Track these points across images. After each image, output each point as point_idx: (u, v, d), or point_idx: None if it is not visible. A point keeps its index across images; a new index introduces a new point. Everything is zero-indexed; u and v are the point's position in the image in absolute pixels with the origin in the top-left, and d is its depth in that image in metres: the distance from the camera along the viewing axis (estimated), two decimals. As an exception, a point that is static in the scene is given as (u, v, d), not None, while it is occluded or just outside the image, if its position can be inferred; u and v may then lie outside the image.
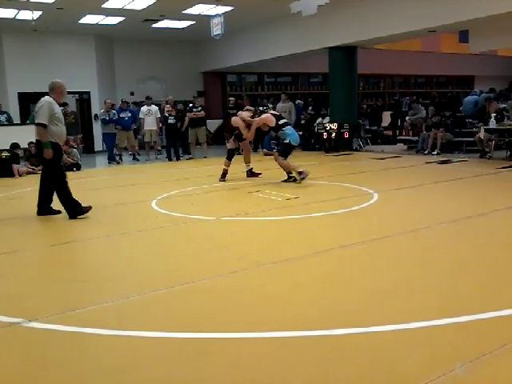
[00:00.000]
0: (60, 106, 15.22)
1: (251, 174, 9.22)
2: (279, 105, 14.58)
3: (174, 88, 17.18)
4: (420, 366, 2.47)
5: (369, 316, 3.05)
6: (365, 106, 17.51)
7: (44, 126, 5.98)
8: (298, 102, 15.92)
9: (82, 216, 6.12)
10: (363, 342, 2.73)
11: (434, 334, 2.81)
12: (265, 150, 13.58)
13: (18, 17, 13.18)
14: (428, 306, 3.19)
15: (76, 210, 6.14)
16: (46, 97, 6.19)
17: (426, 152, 12.21)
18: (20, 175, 10.76)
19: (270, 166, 11.09)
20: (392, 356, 2.56)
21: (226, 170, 8.90)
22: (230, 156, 8.92)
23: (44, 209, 6.34)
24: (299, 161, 11.91)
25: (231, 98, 14.69)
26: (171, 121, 13.08)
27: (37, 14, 12.48)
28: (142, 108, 13.91)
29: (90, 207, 6.25)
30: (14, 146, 11.09)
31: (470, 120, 13.17)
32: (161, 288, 3.62)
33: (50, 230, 5.98)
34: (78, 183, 9.78)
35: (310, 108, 16.11)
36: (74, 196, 6.24)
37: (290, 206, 6.54)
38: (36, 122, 6.05)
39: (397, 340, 2.74)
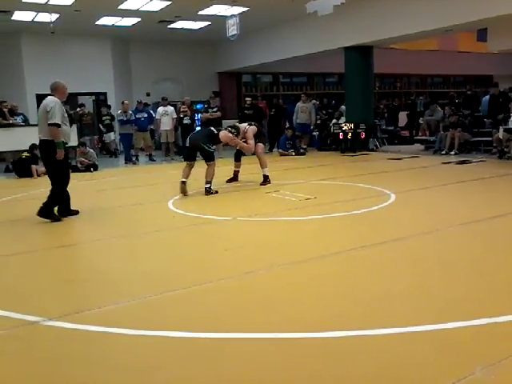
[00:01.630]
0: (78, 106, 15.37)
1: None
2: (299, 104, 14.55)
3: (189, 89, 17.25)
4: (439, 369, 2.44)
5: (386, 318, 3.02)
6: (382, 106, 17.38)
7: (58, 125, 5.98)
8: (313, 101, 15.88)
9: (47, 220, 6.10)
10: (380, 343, 2.71)
11: (453, 336, 2.77)
12: (280, 151, 13.58)
13: (36, 19, 13.36)
14: (446, 308, 3.16)
15: (50, 214, 6.13)
16: (52, 97, 6.12)
17: (444, 152, 12.09)
18: (38, 175, 10.89)
19: (286, 166, 11.09)
20: (410, 358, 2.53)
21: (237, 172, 8.86)
22: (237, 157, 8.88)
23: (65, 210, 6.35)
24: (315, 161, 11.91)
25: (248, 99, 14.69)
26: (186, 121, 13.12)
27: (54, 17, 12.63)
28: (158, 109, 14.00)
29: (59, 218, 6.19)
30: (33, 146, 11.21)
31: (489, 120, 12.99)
32: (177, 288, 3.64)
33: (67, 229, 6.03)
34: (95, 183, 9.88)
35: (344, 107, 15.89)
36: (86, 197, 6.30)
37: (307, 206, 6.52)
38: (50, 122, 5.95)
39: (415, 342, 2.71)
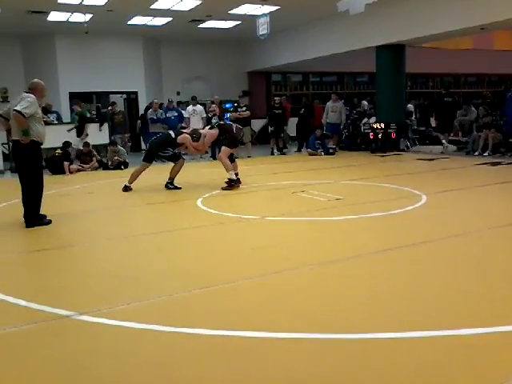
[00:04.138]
0: (109, 105, 15.50)
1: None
2: (329, 104, 14.48)
3: (219, 88, 17.32)
4: (472, 374, 2.37)
5: (418, 320, 2.96)
6: (411, 106, 17.07)
7: (23, 115, 5.56)
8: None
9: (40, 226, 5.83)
10: (411, 346, 2.66)
11: (486, 342, 2.69)
12: (309, 150, 13.50)
13: (70, 19, 13.62)
14: (479, 313, 3.07)
15: (35, 220, 5.83)
16: (29, 94, 5.77)
17: (477, 153, 11.81)
18: (71, 173, 11.10)
19: (315, 166, 11.02)
20: (441, 362, 2.47)
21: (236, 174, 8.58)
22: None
23: (33, 219, 5.86)
24: (345, 161, 11.81)
25: (276, 98, 14.69)
26: (215, 120, 13.16)
27: (88, 17, 12.85)
28: (187, 108, 14.12)
29: (50, 221, 5.94)
30: (66, 144, 11.44)
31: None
32: (206, 286, 3.64)
33: (97, 226, 6.13)
34: (125, 181, 10.00)
35: (365, 102, 15.74)
36: (118, 195, 6.31)
37: (336, 206, 6.46)
38: (16, 108, 5.56)
39: (447, 346, 2.65)
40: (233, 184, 8.14)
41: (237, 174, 8.58)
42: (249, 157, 13.36)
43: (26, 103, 5.64)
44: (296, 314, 3.13)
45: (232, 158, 8.59)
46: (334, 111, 14.29)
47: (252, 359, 2.59)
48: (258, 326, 2.97)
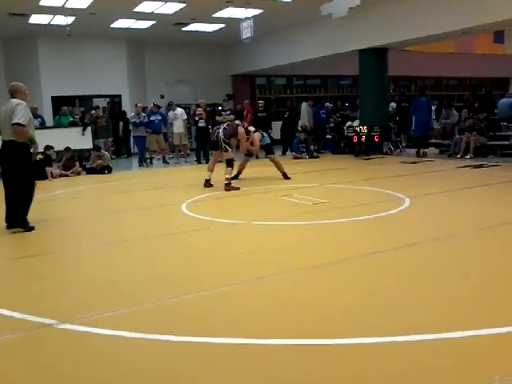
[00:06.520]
0: (92, 109, 15.46)
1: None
2: (307, 108, 14.79)
3: (203, 91, 17.31)
4: (456, 377, 2.39)
5: (399, 325, 2.98)
6: (390, 110, 17.14)
7: (23, 125, 5.62)
8: (327, 104, 15.84)
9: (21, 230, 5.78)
10: (393, 351, 2.67)
11: (471, 344, 2.72)
12: (294, 154, 13.54)
13: (52, 22, 13.50)
14: (464, 315, 3.10)
15: (19, 222, 5.80)
16: (17, 99, 5.78)
17: (459, 156, 11.95)
18: (53, 177, 10.96)
19: (297, 169, 11.04)
20: (426, 367, 2.49)
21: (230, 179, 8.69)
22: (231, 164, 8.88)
23: (15, 220, 5.81)
24: (329, 165, 11.87)
25: (260, 102, 14.74)
26: (201, 124, 13.16)
27: (70, 20, 12.76)
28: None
29: (32, 227, 5.82)
30: (47, 148, 11.27)
31: (505, 123, 12.83)
32: (190, 292, 3.62)
33: (81, 232, 6.06)
34: (109, 186, 9.94)
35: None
36: (100, 200, 6.25)
37: (320, 210, 6.48)
38: (15, 121, 5.57)
39: (431, 350, 2.67)
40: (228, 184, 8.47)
41: (238, 173, 9.33)
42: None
43: (16, 113, 5.60)
44: (282, 320, 3.13)
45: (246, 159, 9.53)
46: (309, 115, 14.71)
47: (237, 367, 2.58)
48: (243, 332, 2.95)
